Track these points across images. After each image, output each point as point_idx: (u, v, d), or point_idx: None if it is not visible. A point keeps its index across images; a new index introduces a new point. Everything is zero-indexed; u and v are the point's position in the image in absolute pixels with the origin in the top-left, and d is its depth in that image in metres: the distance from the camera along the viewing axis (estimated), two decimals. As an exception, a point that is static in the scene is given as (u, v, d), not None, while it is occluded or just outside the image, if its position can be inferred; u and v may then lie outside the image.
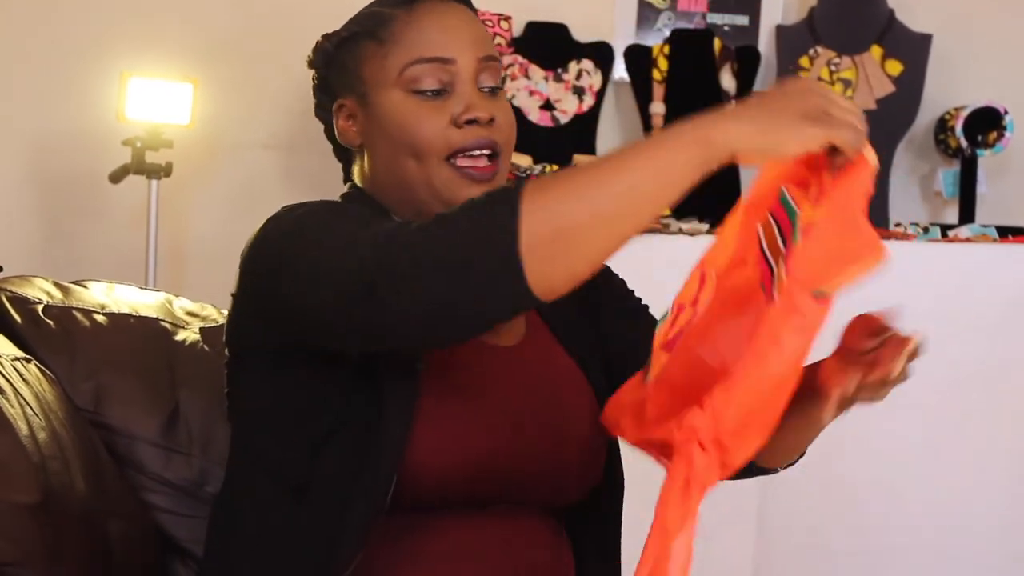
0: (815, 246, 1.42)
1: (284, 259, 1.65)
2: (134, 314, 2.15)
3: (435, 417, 1.71)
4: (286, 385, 1.74)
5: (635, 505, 3.24)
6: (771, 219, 1.53)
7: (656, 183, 1.44)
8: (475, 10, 1.87)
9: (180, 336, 2.15)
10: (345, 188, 1.91)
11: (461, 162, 1.78)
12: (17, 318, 2.07)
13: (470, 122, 1.78)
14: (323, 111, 1.90)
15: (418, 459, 1.69)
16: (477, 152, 1.78)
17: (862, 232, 1.42)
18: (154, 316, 2.17)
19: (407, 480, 1.69)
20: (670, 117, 4.42)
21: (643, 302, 2.00)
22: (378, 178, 1.84)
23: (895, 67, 4.42)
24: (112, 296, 2.17)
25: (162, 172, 4.04)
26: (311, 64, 1.90)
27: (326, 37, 1.87)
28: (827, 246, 1.41)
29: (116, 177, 4.05)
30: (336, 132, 1.87)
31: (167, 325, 2.17)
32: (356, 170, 1.89)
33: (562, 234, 1.44)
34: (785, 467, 1.87)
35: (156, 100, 3.98)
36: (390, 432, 1.68)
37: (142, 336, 2.14)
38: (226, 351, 1.85)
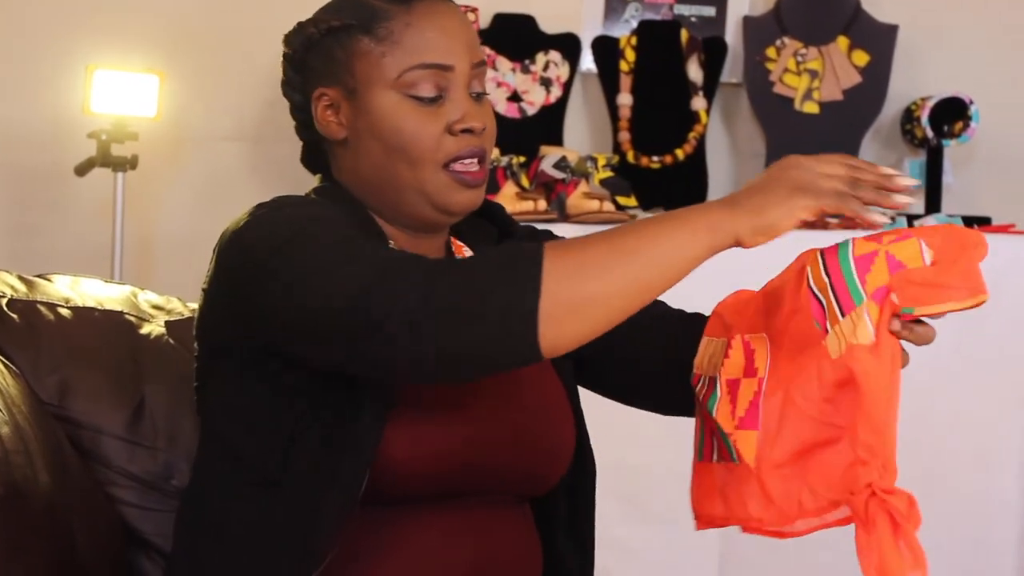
0: (921, 274, 1.54)
1: (271, 270, 1.65)
2: (99, 308, 2.14)
3: (408, 412, 1.72)
4: (258, 380, 1.74)
5: (606, 492, 3.23)
6: (819, 257, 1.59)
7: (670, 263, 1.53)
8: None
9: (146, 329, 2.14)
10: (315, 180, 1.89)
11: (455, 167, 1.79)
12: (-19, 312, 2.06)
13: (465, 131, 1.78)
14: (293, 90, 1.88)
15: (391, 454, 1.70)
16: (469, 159, 1.79)
17: (972, 272, 1.56)
18: (119, 310, 2.16)
19: (380, 474, 1.69)
20: (638, 108, 4.42)
21: None
22: (363, 176, 1.83)
23: (861, 58, 4.43)
24: (77, 290, 2.16)
25: (128, 165, 4.02)
26: (287, 42, 1.87)
27: (312, 21, 1.84)
28: (933, 276, 1.54)
29: (82, 170, 4.04)
30: (315, 120, 1.85)
31: (132, 318, 2.16)
32: (333, 161, 1.87)
33: (581, 303, 1.51)
34: None
35: (122, 93, 3.97)
36: (364, 427, 1.68)
37: (107, 330, 2.13)
38: (195, 345, 1.84)
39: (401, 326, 1.51)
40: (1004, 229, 4.00)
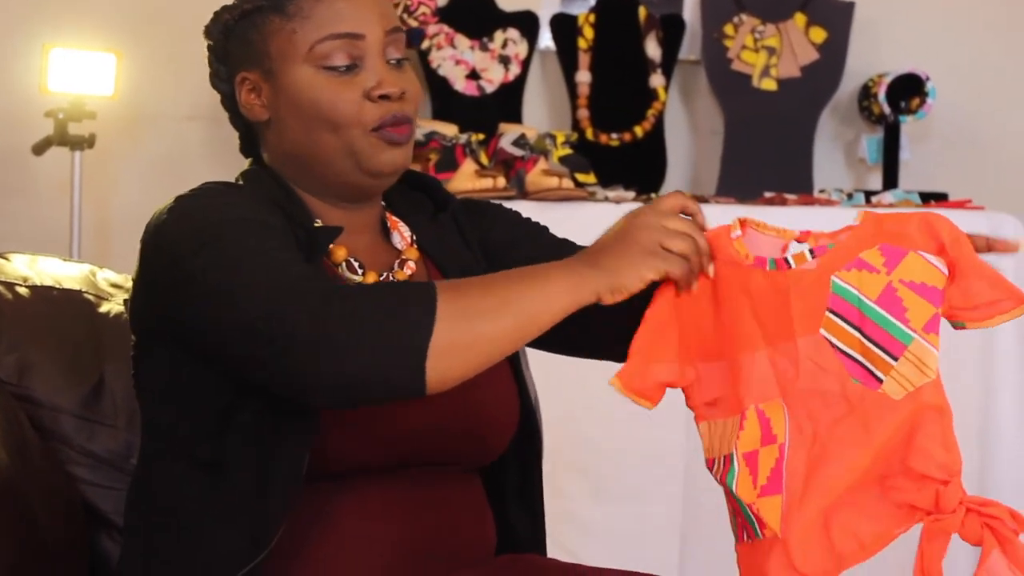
0: (958, 291, 1.60)
1: (185, 274, 1.67)
2: (57, 286, 2.13)
3: None
4: (188, 364, 1.74)
5: (569, 469, 3.25)
6: (833, 318, 1.61)
7: (543, 315, 1.61)
8: None
9: (104, 308, 2.14)
10: (246, 164, 1.91)
11: (381, 131, 1.80)
12: (-62, 291, 2.05)
13: (383, 97, 1.79)
14: (220, 81, 1.89)
15: (331, 431, 1.70)
16: (393, 125, 1.80)
17: (1003, 283, 1.60)
18: (78, 288, 2.15)
19: (321, 449, 1.70)
20: (596, 86, 4.43)
21: (541, 225, 2.02)
22: (288, 152, 1.84)
23: (819, 34, 4.45)
24: (35, 268, 2.15)
25: (85, 143, 4.01)
26: (207, 34, 1.89)
27: (226, 9, 1.86)
28: (973, 291, 1.60)
29: (39, 149, 4.02)
30: (239, 105, 1.86)
31: (91, 297, 2.15)
32: (262, 144, 1.88)
33: (468, 345, 1.58)
34: None
35: (79, 71, 3.95)
36: (299, 408, 1.68)
37: (66, 308, 2.12)
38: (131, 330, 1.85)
39: (290, 350, 1.56)
40: (961, 204, 4.02)
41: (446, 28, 4.42)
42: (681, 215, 1.66)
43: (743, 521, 1.64)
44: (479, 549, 1.86)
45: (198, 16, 1.90)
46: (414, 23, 4.29)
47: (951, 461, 1.56)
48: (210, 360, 1.70)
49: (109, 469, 2.05)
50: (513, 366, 1.91)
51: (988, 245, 1.68)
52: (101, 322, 2.12)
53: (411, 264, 1.88)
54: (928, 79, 4.34)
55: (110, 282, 2.20)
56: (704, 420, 1.69)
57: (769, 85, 4.41)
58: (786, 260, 1.64)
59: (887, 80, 4.34)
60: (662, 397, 1.68)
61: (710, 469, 1.69)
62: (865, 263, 1.61)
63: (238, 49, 1.85)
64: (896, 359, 1.58)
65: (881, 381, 1.58)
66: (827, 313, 1.61)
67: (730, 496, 1.65)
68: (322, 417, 1.70)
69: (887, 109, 4.35)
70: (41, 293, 2.11)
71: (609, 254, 1.63)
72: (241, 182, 1.86)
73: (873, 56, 4.53)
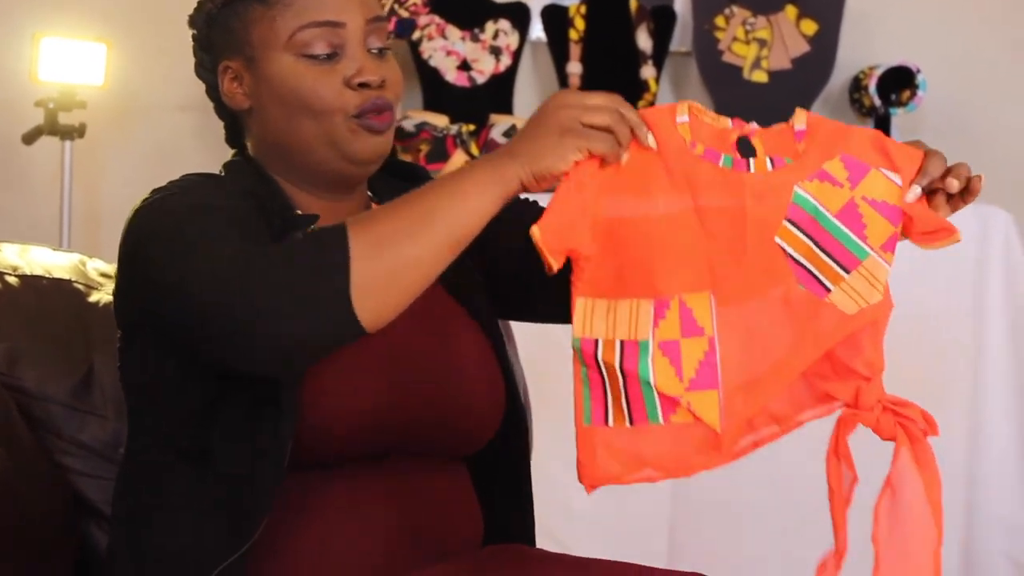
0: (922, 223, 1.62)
1: (143, 261, 1.71)
2: (48, 276, 2.13)
3: (324, 376, 1.73)
4: (170, 355, 1.75)
5: (557, 458, 3.23)
6: (790, 227, 1.62)
7: (468, 219, 1.59)
8: None
9: (94, 298, 2.14)
10: (230, 155, 1.92)
11: (362, 118, 1.80)
12: (-72, 281, 2.05)
13: (363, 85, 1.79)
14: (205, 71, 1.90)
15: (311, 420, 1.71)
16: (373, 111, 1.81)
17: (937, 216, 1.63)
18: (68, 278, 2.15)
19: (304, 438, 1.70)
20: (587, 77, 4.42)
21: (530, 200, 2.00)
22: (270, 141, 1.85)
23: (809, 26, 4.44)
24: (25, 258, 2.15)
25: (76, 133, 4.01)
26: (191, 23, 1.90)
27: None
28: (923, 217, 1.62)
29: (29, 138, 4.01)
30: (221, 94, 1.87)
31: (81, 287, 2.15)
32: (246, 134, 1.89)
33: (389, 273, 1.57)
34: None
35: (69, 61, 3.95)
36: (281, 396, 1.69)
37: (56, 298, 2.12)
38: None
39: (226, 326, 1.58)
40: (950, 197, 4.02)
41: (437, 19, 4.41)
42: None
43: (637, 405, 1.62)
44: (466, 539, 1.86)
45: (188, 6, 1.90)
46: (405, 13, 4.29)
47: (876, 360, 1.61)
48: (180, 350, 1.72)
49: (99, 459, 2.05)
50: (498, 354, 1.91)
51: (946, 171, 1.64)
52: (91, 312, 2.12)
53: None
54: (919, 71, 4.34)
55: (100, 272, 2.20)
56: (586, 296, 1.63)
57: (760, 77, 4.41)
58: (748, 164, 1.63)
59: (878, 72, 4.34)
60: (562, 264, 1.62)
61: (580, 350, 1.63)
62: (828, 175, 1.62)
63: (220, 38, 1.85)
64: (848, 272, 1.60)
65: (829, 291, 1.60)
66: (784, 222, 1.62)
67: (631, 380, 1.61)
68: (305, 407, 1.70)
69: (878, 101, 4.35)
70: (31, 283, 2.11)
71: (527, 139, 1.61)
72: (223, 173, 1.87)
73: (864, 48, 4.53)
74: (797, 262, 1.61)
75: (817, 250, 1.61)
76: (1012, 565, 3.84)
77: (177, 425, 1.75)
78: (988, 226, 3.86)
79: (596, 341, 1.62)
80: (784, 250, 1.61)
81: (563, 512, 3.60)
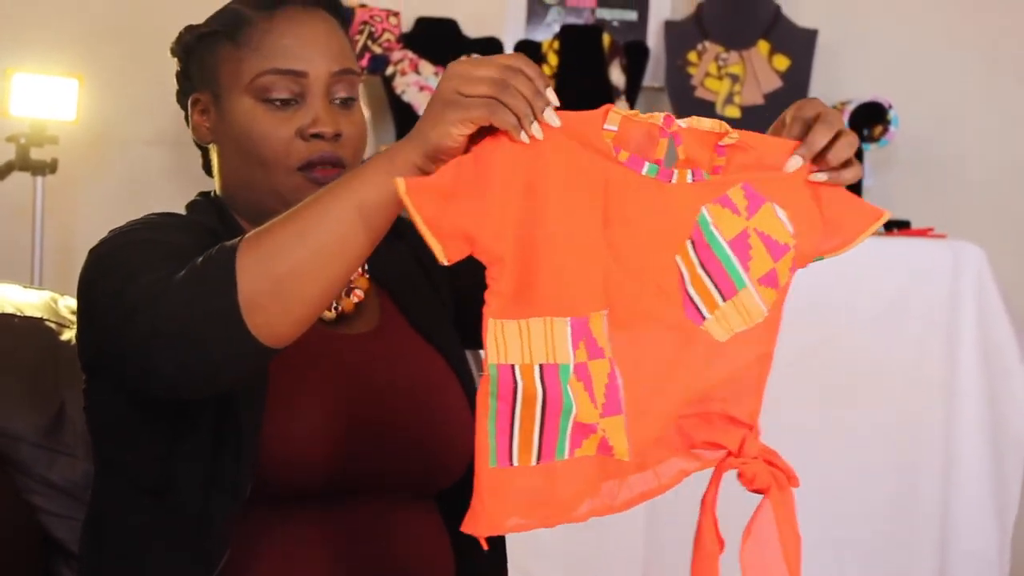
0: (812, 241, 1.60)
1: (85, 304, 1.71)
2: (18, 314, 2.12)
3: (286, 409, 1.72)
4: (128, 397, 1.74)
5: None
6: (689, 247, 1.57)
7: (357, 217, 1.47)
8: (341, 17, 1.87)
9: (66, 336, 2.13)
10: (203, 188, 1.92)
11: (308, 171, 1.79)
12: None
13: (315, 136, 1.79)
14: (183, 99, 1.91)
15: (272, 452, 1.70)
16: (321, 165, 1.79)
17: (857, 205, 1.62)
18: (39, 316, 2.14)
19: (264, 474, 1.70)
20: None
21: None
22: (227, 179, 1.86)
23: (782, 62, 4.46)
24: (-5, 295, 2.14)
25: (47, 169, 3.99)
26: (173, 52, 1.90)
27: (188, 28, 1.88)
28: (836, 217, 1.60)
29: (0, 174, 4.00)
30: (190, 125, 1.88)
31: (52, 325, 2.14)
32: (212, 167, 1.90)
33: (279, 284, 1.48)
34: None
35: (41, 96, 3.93)
36: (242, 429, 1.69)
37: (27, 336, 2.11)
38: None
39: (136, 355, 1.55)
40: (923, 232, 4.03)
41: (410, 54, 4.41)
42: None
43: (549, 436, 1.49)
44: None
45: (160, 41, 1.90)
46: (378, 49, 4.29)
47: (756, 408, 1.59)
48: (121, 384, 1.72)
49: (68, 499, 2.03)
50: (466, 390, 1.90)
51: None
52: (62, 350, 2.10)
53: (358, 292, 1.86)
54: (891, 107, 4.35)
55: (71, 309, 2.19)
56: (496, 318, 1.47)
57: (732, 112, 4.42)
58: (672, 175, 1.56)
59: (850, 108, 4.36)
60: (461, 257, 1.46)
61: (496, 379, 1.46)
62: (730, 201, 1.58)
63: (195, 70, 1.87)
64: (724, 300, 1.57)
65: (705, 319, 1.57)
66: (687, 241, 1.57)
67: (533, 406, 1.47)
68: (266, 443, 1.69)
69: (850, 137, 4.36)
70: (2, 321, 2.10)
71: (420, 120, 1.48)
72: (187, 212, 1.88)
73: (836, 84, 4.55)
74: (685, 285, 1.57)
75: (703, 274, 1.57)
76: (985, 599, 3.85)
77: (140, 463, 1.75)
78: (961, 261, 3.87)
79: (512, 367, 1.47)
80: (680, 270, 1.56)
81: (535, 548, 3.59)
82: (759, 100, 4.42)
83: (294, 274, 1.47)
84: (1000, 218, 4.57)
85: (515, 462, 1.48)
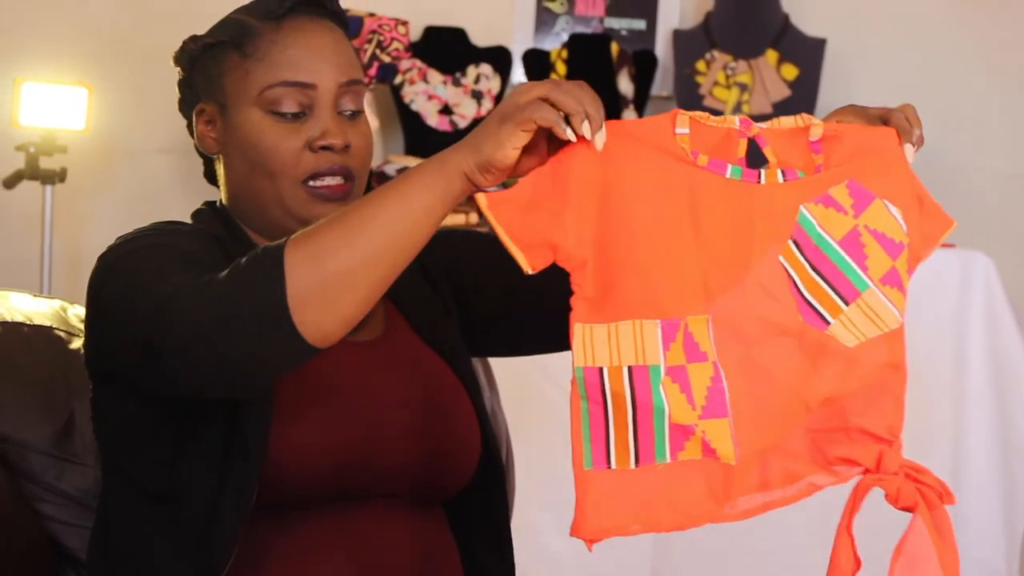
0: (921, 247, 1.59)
1: (97, 308, 1.71)
2: (28, 323, 2.12)
3: (292, 416, 1.72)
4: (136, 402, 1.75)
5: (541, 505, 3.21)
6: (793, 248, 1.55)
7: (408, 220, 1.51)
8: (345, 26, 1.87)
9: (75, 345, 2.13)
10: (217, 197, 1.92)
11: (314, 183, 1.80)
12: (-93, 327, 2.04)
13: (324, 148, 1.79)
14: (188, 110, 1.90)
15: (277, 459, 1.70)
16: (329, 176, 1.80)
17: (936, 205, 1.62)
18: (48, 324, 2.14)
19: (270, 480, 1.70)
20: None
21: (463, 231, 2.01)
22: (233, 190, 1.86)
23: (791, 71, 4.46)
24: (5, 304, 2.14)
25: (57, 178, 4.00)
26: (176, 61, 1.90)
27: (193, 38, 1.87)
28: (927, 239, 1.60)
29: (10, 183, 4.01)
30: (195, 136, 1.88)
31: (62, 334, 2.14)
32: (217, 177, 1.90)
33: (327, 283, 1.49)
34: None
35: (50, 105, 3.95)
36: (248, 435, 1.69)
37: (36, 345, 2.11)
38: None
39: (172, 353, 1.54)
40: (931, 241, 4.03)
41: (419, 63, 4.42)
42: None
43: (645, 438, 1.50)
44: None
45: (170, 51, 1.90)
46: (387, 58, 4.30)
47: (897, 422, 1.56)
48: (139, 392, 1.72)
49: (78, 507, 2.03)
50: (472, 398, 1.90)
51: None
52: (72, 359, 2.10)
53: None
54: (899, 116, 4.35)
55: (81, 318, 2.19)
56: (583, 322, 1.51)
57: (741, 121, 4.42)
58: (759, 175, 1.55)
59: (858, 117, 4.36)
60: (545, 265, 1.52)
61: (583, 380, 1.50)
62: (833, 200, 1.56)
63: (200, 80, 1.86)
64: (847, 304, 1.54)
65: (828, 323, 1.54)
66: (789, 242, 1.55)
67: (624, 407, 1.50)
68: (274, 448, 1.70)
69: (858, 146, 4.36)
70: (12, 329, 2.10)
71: (473, 132, 1.52)
72: (192, 221, 1.88)
73: (844, 93, 4.54)
74: (797, 288, 1.54)
75: (817, 278, 1.54)
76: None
77: (147, 470, 1.75)
78: (969, 271, 3.87)
79: (601, 370, 1.51)
80: (787, 272, 1.54)
81: (543, 557, 3.59)
82: (767, 109, 4.42)
83: (342, 274, 1.49)
84: (1009, 227, 4.57)
85: (613, 464, 1.50)
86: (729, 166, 1.55)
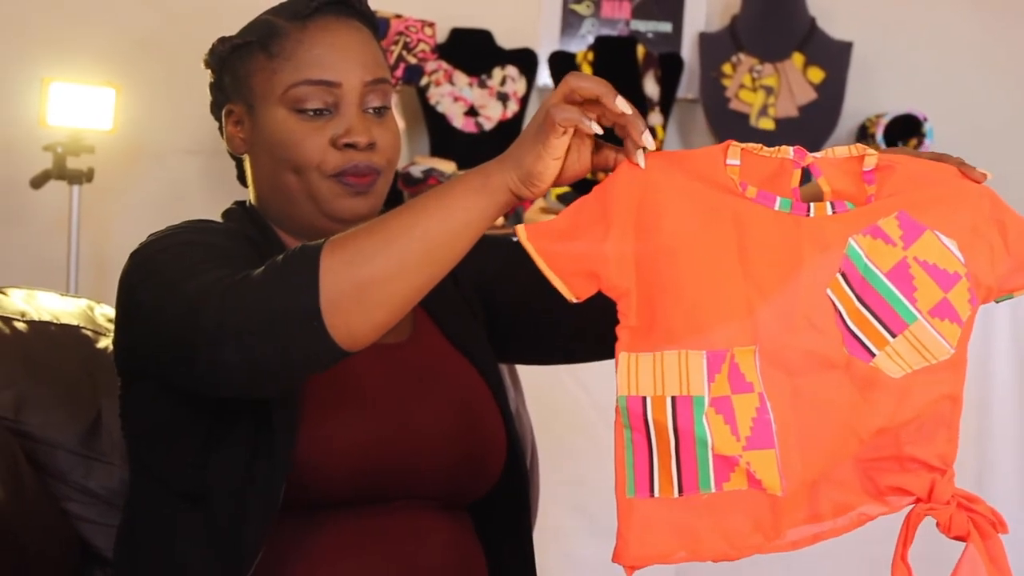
0: (997, 275, 1.57)
1: (131, 305, 1.72)
2: (55, 322, 2.13)
3: (319, 417, 1.73)
4: (166, 401, 1.76)
5: (568, 509, 3.20)
6: (841, 281, 1.54)
7: (448, 232, 1.51)
8: (374, 26, 1.88)
9: (102, 344, 2.14)
10: (239, 198, 1.93)
11: (342, 178, 1.81)
12: (-64, 326, 2.05)
13: (348, 145, 1.80)
14: (217, 110, 1.92)
15: (305, 459, 1.71)
16: (354, 174, 1.81)
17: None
18: (75, 323, 2.15)
19: (297, 480, 1.70)
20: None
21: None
22: (261, 190, 1.87)
23: (817, 74, 4.46)
24: (33, 303, 2.15)
25: (84, 178, 4.02)
26: (207, 64, 1.91)
27: (221, 40, 1.88)
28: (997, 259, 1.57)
29: (37, 183, 4.02)
30: (224, 136, 1.89)
31: (89, 333, 2.15)
32: (247, 177, 1.91)
33: (362, 288, 1.50)
34: None
35: (78, 105, 3.96)
36: (276, 435, 1.69)
37: (64, 344, 2.12)
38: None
39: (204, 351, 1.54)
40: (957, 245, 4.02)
41: (445, 65, 4.43)
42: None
43: (686, 472, 1.50)
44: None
45: (197, 51, 1.91)
46: (413, 60, 4.30)
47: (951, 452, 1.55)
48: (169, 390, 1.72)
49: (105, 506, 2.04)
50: (498, 401, 1.90)
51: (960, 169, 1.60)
52: (99, 358, 2.11)
53: None
54: (926, 120, 4.35)
55: (108, 317, 2.20)
56: (628, 351, 1.52)
57: (767, 124, 4.42)
58: (808, 207, 1.54)
59: (885, 120, 4.35)
60: (589, 294, 1.52)
61: (627, 410, 1.51)
62: (881, 232, 1.54)
63: (228, 81, 1.88)
64: (894, 336, 1.53)
65: (874, 355, 1.53)
66: (837, 275, 1.54)
67: (666, 437, 1.50)
68: (301, 448, 1.70)
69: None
70: (39, 328, 2.11)
71: (515, 144, 1.54)
72: (222, 220, 1.89)
73: (871, 96, 4.54)
74: (844, 321, 1.53)
75: (863, 310, 1.53)
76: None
77: (174, 469, 1.76)
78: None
79: (644, 399, 1.51)
80: (834, 305, 1.53)
81: (566, 560, 3.59)
82: (793, 112, 4.42)
83: (378, 280, 1.50)
84: (1035, 231, 4.56)
85: (656, 493, 1.50)
86: (778, 198, 1.55)
